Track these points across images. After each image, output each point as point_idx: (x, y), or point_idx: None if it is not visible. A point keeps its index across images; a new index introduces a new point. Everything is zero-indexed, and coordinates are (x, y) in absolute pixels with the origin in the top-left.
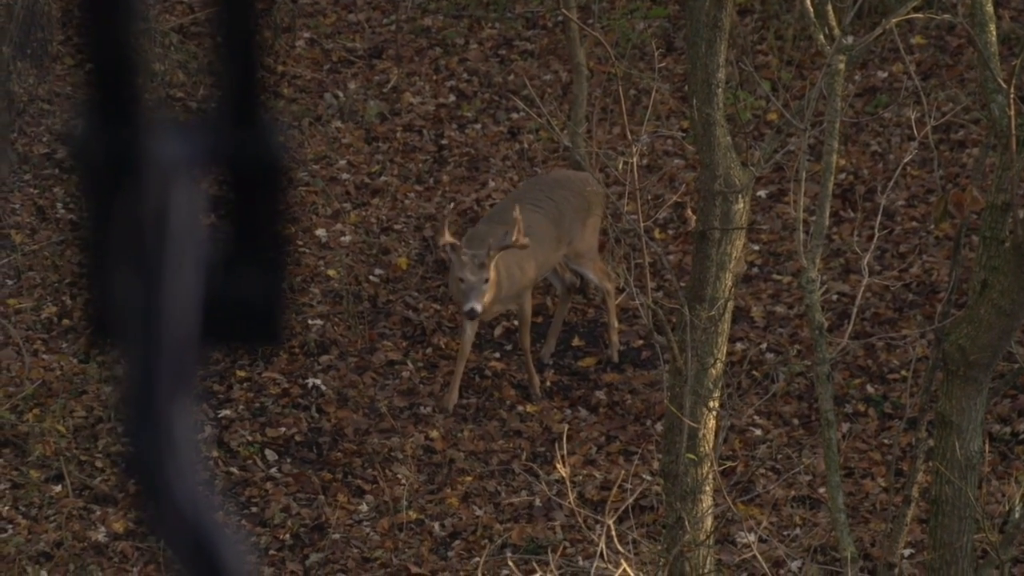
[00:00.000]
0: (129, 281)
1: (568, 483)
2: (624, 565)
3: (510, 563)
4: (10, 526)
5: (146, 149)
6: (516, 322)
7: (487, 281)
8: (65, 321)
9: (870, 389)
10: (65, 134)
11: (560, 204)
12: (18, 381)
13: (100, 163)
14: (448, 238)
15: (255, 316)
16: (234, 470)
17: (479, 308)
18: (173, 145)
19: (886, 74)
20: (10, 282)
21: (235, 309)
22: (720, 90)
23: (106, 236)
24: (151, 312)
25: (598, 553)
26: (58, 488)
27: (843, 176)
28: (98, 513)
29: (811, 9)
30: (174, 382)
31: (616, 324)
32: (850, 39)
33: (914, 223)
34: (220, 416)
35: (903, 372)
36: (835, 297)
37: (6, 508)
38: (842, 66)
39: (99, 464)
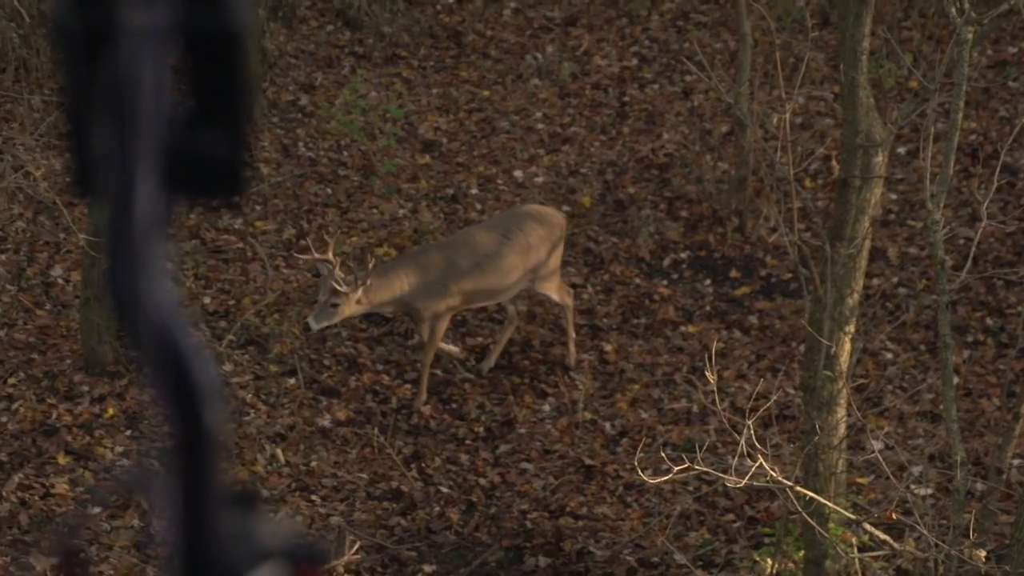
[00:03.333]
0: (106, 138)
1: (716, 392)
2: (761, 460)
3: (663, 455)
4: (252, 411)
5: (118, 22)
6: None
7: (335, 307)
8: (302, 241)
9: (989, 321)
10: (47, 11)
11: (529, 236)
12: (262, 291)
13: (79, 35)
14: (321, 256)
15: (216, 172)
16: (438, 372)
17: (314, 325)
18: (143, 18)
19: (1016, 49)
20: (258, 208)
21: (198, 165)
22: (864, 57)
23: (86, 100)
24: (125, 164)
25: (739, 451)
26: (291, 381)
27: (973, 137)
28: (324, 403)
29: None
30: (147, 222)
31: (573, 335)
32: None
33: None
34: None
35: (1018, 307)
36: (962, 241)
37: (249, 396)
38: (970, 36)
39: (326, 362)
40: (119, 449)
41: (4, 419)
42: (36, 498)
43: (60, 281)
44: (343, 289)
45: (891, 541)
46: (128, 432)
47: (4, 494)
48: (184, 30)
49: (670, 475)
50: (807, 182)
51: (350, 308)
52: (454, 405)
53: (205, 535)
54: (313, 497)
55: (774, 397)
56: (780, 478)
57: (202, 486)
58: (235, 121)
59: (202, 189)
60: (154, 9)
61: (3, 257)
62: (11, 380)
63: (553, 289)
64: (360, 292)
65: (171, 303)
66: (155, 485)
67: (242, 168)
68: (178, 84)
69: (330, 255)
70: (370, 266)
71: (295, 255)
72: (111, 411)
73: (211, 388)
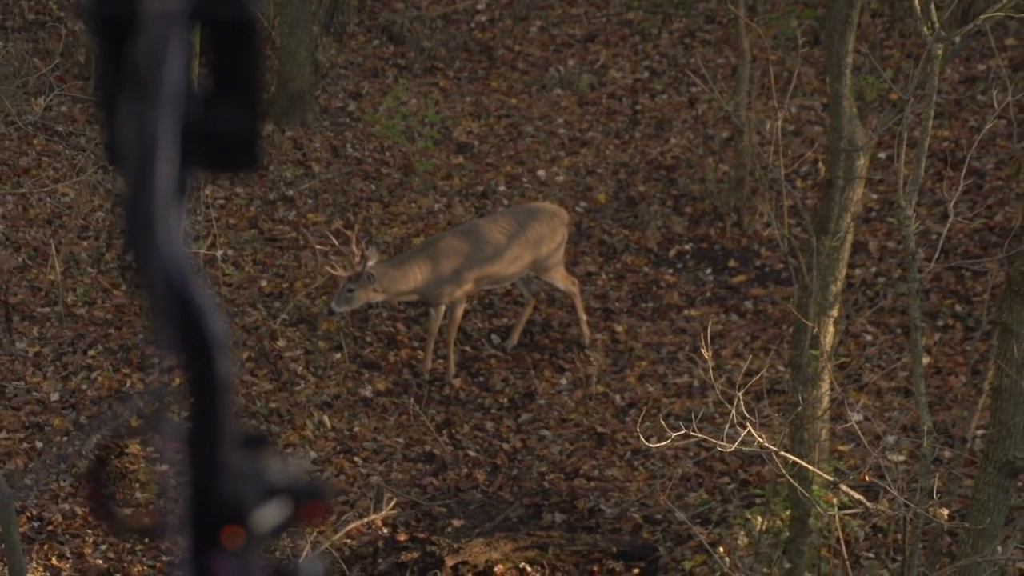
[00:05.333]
0: (131, 113)
1: (714, 369)
2: (751, 429)
3: (666, 424)
4: (302, 381)
5: (142, 7)
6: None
7: (351, 292)
8: (348, 232)
9: (957, 308)
10: None
11: (528, 231)
12: (312, 275)
13: (107, 20)
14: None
15: (232, 145)
16: (467, 349)
17: (336, 309)
18: (163, 4)
19: (984, 67)
20: (310, 201)
21: (215, 139)
22: (848, 71)
23: (114, 78)
24: (147, 136)
25: (733, 420)
26: (338, 355)
27: (946, 144)
28: (366, 375)
29: (918, 7)
30: (166, 189)
31: (584, 317)
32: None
33: (1000, 182)
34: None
35: (984, 295)
36: (934, 236)
37: (300, 368)
38: (940, 52)
39: (368, 339)
40: (184, 413)
41: (84, 386)
42: (112, 456)
43: (134, 264)
44: (338, 272)
45: (866, 502)
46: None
47: (84, 452)
48: (202, 16)
49: (672, 441)
50: (797, 182)
51: (366, 295)
52: (481, 378)
53: (215, 473)
54: (355, 459)
55: (765, 373)
56: (769, 445)
57: (213, 428)
58: (249, 99)
59: (220, 161)
60: None
61: (85, 243)
62: (91, 352)
63: (559, 278)
64: (374, 282)
65: (184, 261)
66: (169, 426)
67: (256, 142)
68: (196, 65)
69: (353, 246)
70: (367, 252)
71: (317, 240)
72: (178, 380)
73: (220, 338)
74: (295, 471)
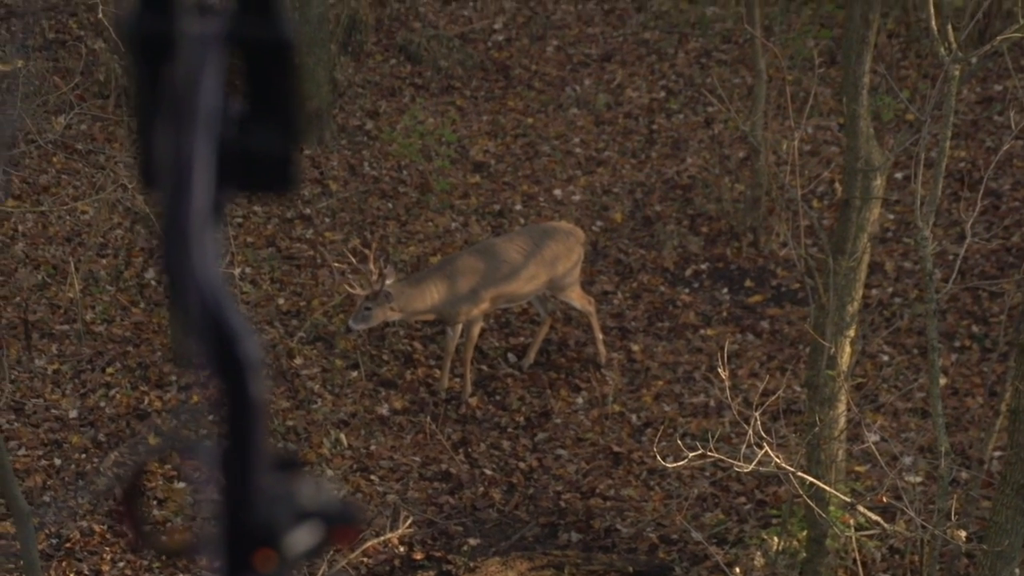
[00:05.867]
0: (167, 135)
1: (730, 389)
2: (768, 449)
3: (682, 444)
4: (319, 399)
5: (178, 30)
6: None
7: (368, 311)
8: (366, 250)
9: (974, 328)
10: (117, 17)
11: (544, 251)
12: (330, 293)
13: (144, 42)
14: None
15: (268, 168)
16: (484, 367)
17: (353, 327)
18: (200, 26)
19: (1001, 87)
20: (327, 220)
21: (252, 162)
22: (865, 92)
23: (150, 100)
24: (183, 159)
25: (749, 441)
26: (354, 374)
27: (962, 164)
28: (383, 393)
29: (935, 28)
30: (201, 212)
31: (600, 336)
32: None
33: (1016, 203)
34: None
35: (1001, 316)
36: (951, 257)
37: (317, 386)
38: (957, 73)
39: (385, 357)
40: (202, 432)
41: (103, 404)
42: (147, 479)
43: (153, 283)
44: (355, 290)
45: (883, 523)
46: (211, 417)
47: (102, 469)
48: (238, 38)
49: (688, 461)
50: (814, 202)
51: (384, 313)
52: (498, 397)
53: (248, 496)
54: (372, 477)
55: (781, 393)
56: (786, 465)
57: (246, 450)
58: (286, 121)
59: (256, 184)
60: (210, 19)
61: (104, 261)
62: (109, 370)
63: (575, 297)
64: (391, 301)
65: (219, 284)
66: (201, 448)
67: (292, 165)
68: (233, 87)
69: (371, 265)
70: (385, 270)
71: (334, 259)
72: (196, 398)
73: (255, 361)
74: (327, 495)
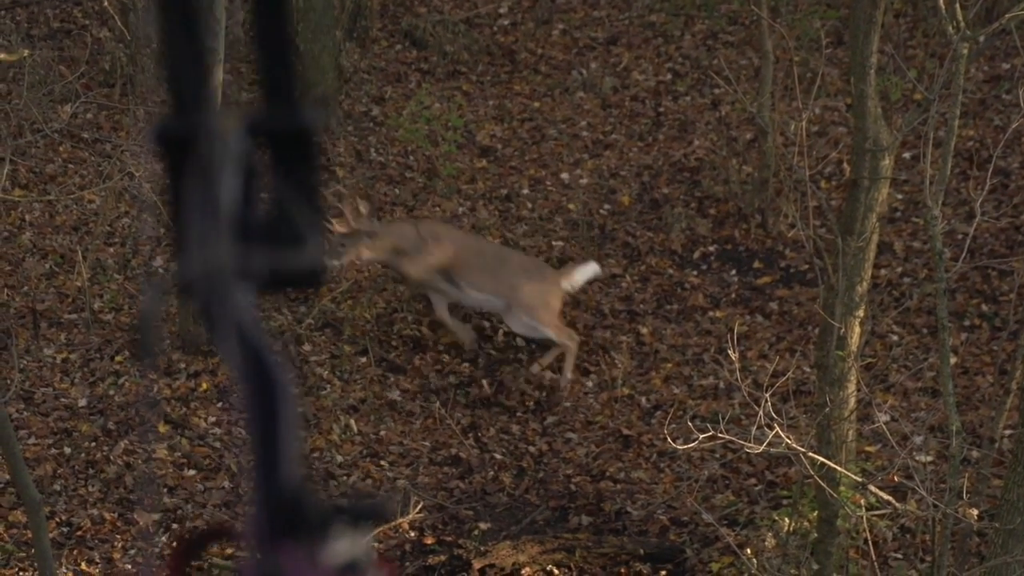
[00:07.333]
0: (197, 235)
1: (740, 370)
2: (779, 430)
3: (692, 426)
4: (328, 386)
5: (207, 125)
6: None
7: (342, 247)
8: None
9: (984, 307)
10: (149, 119)
11: (514, 271)
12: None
13: (178, 144)
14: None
15: (296, 262)
16: (493, 352)
17: (328, 263)
18: (228, 121)
19: (1009, 65)
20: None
21: (279, 257)
22: (872, 72)
23: (180, 190)
24: (214, 260)
25: (759, 422)
26: (363, 359)
27: (971, 143)
28: (392, 379)
29: (943, 6)
30: (232, 306)
31: (569, 375)
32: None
33: None
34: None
35: (1010, 295)
36: (960, 236)
37: (326, 372)
38: (966, 52)
39: (394, 343)
40: (211, 419)
41: (112, 392)
42: (139, 462)
43: (160, 271)
44: (334, 228)
45: (895, 502)
46: (219, 404)
47: (112, 458)
48: (261, 131)
49: (698, 443)
50: (822, 183)
51: (358, 251)
52: (507, 381)
53: (284, 498)
54: (382, 462)
55: (791, 374)
56: (796, 446)
57: (281, 462)
58: (310, 213)
59: (283, 280)
60: (238, 113)
61: (111, 250)
62: (118, 358)
63: (549, 327)
64: (365, 240)
65: (258, 332)
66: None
67: (320, 262)
68: (260, 178)
69: (347, 203)
70: (358, 207)
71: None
72: (205, 385)
73: (291, 398)
74: (359, 495)
